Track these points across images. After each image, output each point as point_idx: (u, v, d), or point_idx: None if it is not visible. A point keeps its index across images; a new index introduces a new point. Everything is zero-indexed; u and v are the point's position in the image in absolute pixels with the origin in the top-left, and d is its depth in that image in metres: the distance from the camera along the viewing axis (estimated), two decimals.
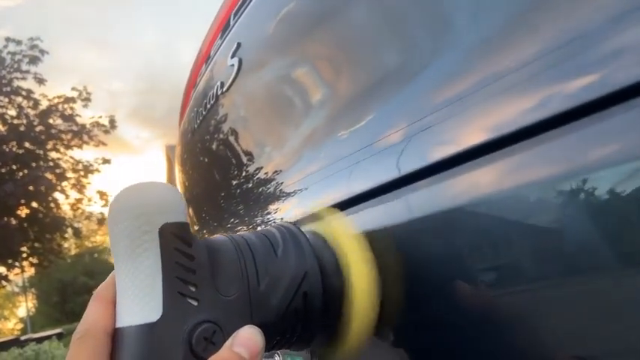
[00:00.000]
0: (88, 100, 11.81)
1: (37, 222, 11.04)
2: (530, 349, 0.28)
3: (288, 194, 0.59)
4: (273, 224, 0.42)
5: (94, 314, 0.33)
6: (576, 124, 0.25)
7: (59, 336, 9.82)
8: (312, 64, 0.58)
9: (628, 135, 0.23)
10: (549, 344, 0.27)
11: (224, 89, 0.74)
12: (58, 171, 11.26)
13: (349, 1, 0.50)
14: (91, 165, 11.86)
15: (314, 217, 0.42)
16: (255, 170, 0.71)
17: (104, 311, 0.33)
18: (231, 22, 0.78)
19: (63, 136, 11.48)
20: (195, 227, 1.05)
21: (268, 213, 0.63)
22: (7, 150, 10.54)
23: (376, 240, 0.39)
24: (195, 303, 0.33)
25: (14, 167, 10.70)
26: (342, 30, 0.51)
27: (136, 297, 0.32)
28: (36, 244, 11.47)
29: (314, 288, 0.37)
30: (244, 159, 0.75)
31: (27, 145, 10.90)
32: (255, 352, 0.32)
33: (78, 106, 11.75)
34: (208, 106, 0.81)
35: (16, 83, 11.13)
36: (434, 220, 0.34)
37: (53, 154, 11.45)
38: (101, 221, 13.39)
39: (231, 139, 0.79)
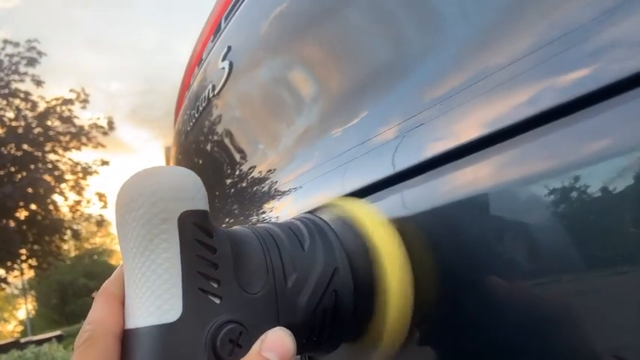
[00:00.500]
0: (85, 101, 11.80)
1: (35, 224, 11.02)
2: (577, 347, 0.26)
3: (283, 193, 0.59)
4: (295, 217, 0.39)
5: (100, 313, 0.30)
6: (575, 116, 0.25)
7: (59, 338, 9.80)
8: (302, 67, 0.59)
9: (624, 128, 0.22)
10: (600, 344, 0.25)
11: (215, 92, 0.75)
12: (56, 173, 11.25)
13: (338, 3, 0.50)
14: (89, 167, 11.84)
15: (338, 206, 0.39)
16: (248, 170, 0.71)
17: (112, 310, 0.30)
18: (222, 25, 0.79)
19: (61, 137, 11.46)
20: None
21: (263, 212, 0.63)
22: (6, 152, 10.52)
23: (408, 231, 0.35)
24: (217, 301, 0.29)
25: (13, 169, 10.69)
26: (331, 32, 0.51)
27: (152, 294, 0.28)
28: (35, 247, 11.46)
29: (345, 286, 0.34)
30: (237, 160, 0.75)
31: (25, 147, 10.88)
32: (286, 357, 0.28)
33: (76, 107, 11.76)
34: (200, 108, 0.82)
35: (13, 85, 11.12)
36: (468, 208, 0.30)
37: (51, 156, 11.43)
38: (100, 223, 13.38)
39: (224, 141, 0.79)
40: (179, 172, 0.31)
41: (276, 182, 0.61)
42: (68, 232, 12.15)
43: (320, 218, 0.37)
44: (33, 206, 10.90)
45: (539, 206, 0.26)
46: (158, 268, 0.28)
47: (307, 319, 0.33)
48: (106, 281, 0.32)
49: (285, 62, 0.61)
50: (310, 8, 0.56)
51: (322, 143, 0.52)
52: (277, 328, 0.30)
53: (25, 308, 22.59)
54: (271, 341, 0.29)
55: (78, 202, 11.88)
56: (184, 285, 0.28)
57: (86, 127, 11.82)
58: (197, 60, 0.93)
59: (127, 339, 0.29)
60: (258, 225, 0.36)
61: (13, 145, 10.75)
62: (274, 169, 0.63)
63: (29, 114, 11.30)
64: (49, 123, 11.39)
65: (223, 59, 0.72)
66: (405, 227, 0.35)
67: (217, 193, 0.86)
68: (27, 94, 11.26)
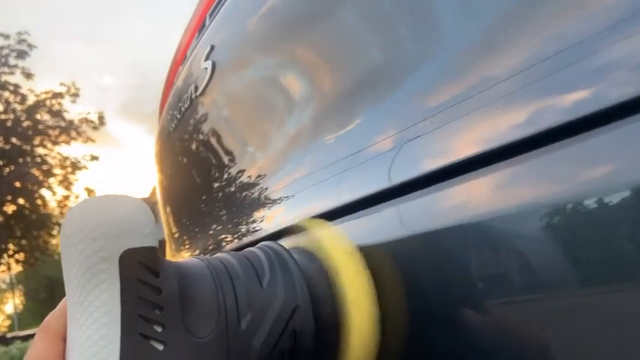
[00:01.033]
0: (76, 95, 11.75)
1: (23, 219, 10.96)
2: None
3: (271, 200, 0.57)
4: (257, 245, 0.36)
5: (38, 353, 0.28)
6: (591, 133, 0.23)
7: None
8: (288, 69, 0.55)
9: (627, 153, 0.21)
10: None
11: (198, 93, 0.71)
12: (45, 167, 11.20)
13: (327, 2, 0.47)
14: (78, 162, 11.77)
15: (303, 231, 0.36)
16: (233, 175, 0.68)
17: (52, 350, 0.28)
18: (207, 23, 0.75)
19: (50, 131, 11.41)
20: (176, 234, 1.03)
21: (252, 219, 0.61)
22: None
23: (378, 260, 0.33)
24: (160, 347, 0.27)
25: (0, 163, 10.59)
26: (319, 32, 0.48)
27: (88, 339, 0.26)
28: (22, 241, 11.41)
29: (305, 325, 0.32)
30: (221, 163, 0.72)
31: (14, 140, 10.80)
32: None
33: (66, 101, 11.68)
34: (183, 109, 0.78)
35: (3, 78, 11.04)
36: (444, 238, 0.29)
37: (40, 150, 11.38)
38: None
39: (207, 143, 0.76)
40: (127, 204, 0.28)
41: (266, 189, 0.59)
42: (56, 227, 12.06)
43: (282, 247, 0.35)
44: (21, 200, 10.83)
45: (518, 237, 0.25)
46: (96, 311, 0.26)
47: None
48: (50, 314, 0.30)
49: (271, 64, 0.58)
50: (298, 6, 0.52)
51: (304, 152, 0.50)
52: None
53: (12, 303, 22.46)
54: None
55: (66, 197, 11.81)
56: (123, 330, 0.26)
57: (76, 122, 11.75)
58: (181, 57, 0.89)
59: None
60: (214, 257, 0.34)
61: (1, 138, 10.67)
62: (261, 175, 0.60)
63: (18, 107, 11.24)
64: (38, 116, 11.34)
65: (206, 59, 0.68)
66: (376, 256, 0.33)
67: (204, 197, 0.83)
68: (16, 86, 11.20)
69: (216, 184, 0.75)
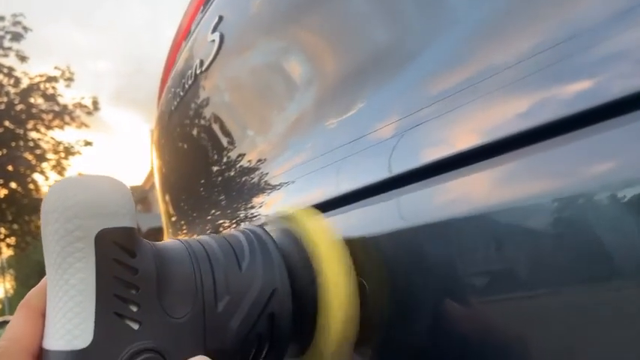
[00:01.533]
0: (70, 79, 11.61)
1: (15, 203, 10.87)
2: None
3: (273, 186, 0.53)
4: (240, 228, 0.37)
5: (17, 329, 0.28)
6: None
7: None
8: (303, 41, 0.51)
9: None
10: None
11: (203, 68, 0.66)
12: (38, 152, 11.08)
13: None
14: (72, 147, 11.65)
15: (289, 218, 0.37)
16: (237, 158, 0.64)
17: (30, 326, 0.29)
18: None
19: (44, 116, 11.29)
20: (174, 218, 0.99)
21: (251, 205, 0.57)
22: None
23: (362, 248, 0.33)
24: (135, 326, 0.28)
25: None
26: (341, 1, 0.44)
27: (64, 316, 0.27)
28: (14, 226, 11.31)
29: (283, 308, 0.32)
30: (225, 145, 0.68)
31: (7, 124, 10.68)
32: None
33: (60, 85, 11.56)
34: (186, 86, 0.74)
35: None
36: (428, 228, 0.29)
37: (33, 134, 11.25)
38: None
39: (211, 123, 0.71)
40: (105, 184, 0.29)
41: (267, 173, 0.56)
42: None
43: (265, 232, 0.36)
44: (13, 184, 10.74)
45: (511, 233, 0.25)
46: (71, 289, 0.27)
47: (239, 344, 0.31)
48: (30, 291, 0.30)
49: (285, 37, 0.54)
50: None
51: (318, 134, 0.46)
52: (198, 356, 0.28)
53: (3, 287, 22.37)
54: None
55: None
56: (98, 309, 0.27)
57: (70, 106, 11.61)
58: (184, 33, 0.85)
59: (41, 358, 0.28)
60: (196, 239, 0.34)
61: None
62: (265, 159, 0.57)
63: (12, 90, 11.10)
64: (32, 100, 11.21)
65: (213, 31, 0.64)
66: (361, 246, 0.34)
67: (203, 181, 0.79)
68: (10, 69, 11.06)
69: (217, 167, 0.71)
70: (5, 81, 11.03)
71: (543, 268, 0.23)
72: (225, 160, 0.68)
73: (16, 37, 10.97)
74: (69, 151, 11.62)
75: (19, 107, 11.00)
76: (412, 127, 0.32)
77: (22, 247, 11.91)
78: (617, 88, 0.21)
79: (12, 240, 11.53)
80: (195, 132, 0.78)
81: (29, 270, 23.41)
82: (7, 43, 10.94)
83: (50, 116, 11.39)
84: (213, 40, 0.63)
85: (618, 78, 0.22)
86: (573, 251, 0.22)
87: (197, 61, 0.69)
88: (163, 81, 1.06)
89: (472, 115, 0.28)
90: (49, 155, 11.43)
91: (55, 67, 11.79)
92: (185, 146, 0.86)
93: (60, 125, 11.50)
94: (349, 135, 0.39)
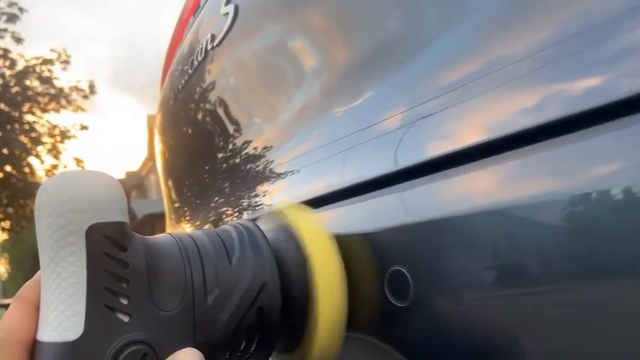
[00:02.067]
0: (67, 62, 11.49)
1: (9, 186, 10.81)
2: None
3: (278, 174, 0.51)
4: (232, 222, 0.38)
5: (12, 320, 0.29)
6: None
7: None
8: (326, 15, 0.47)
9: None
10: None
11: (215, 43, 0.62)
12: (33, 135, 10.99)
13: None
14: (68, 130, 11.55)
15: (281, 213, 0.37)
16: (244, 143, 0.60)
17: (25, 318, 0.29)
18: None
19: (40, 98, 11.18)
20: (176, 205, 0.95)
21: (255, 193, 0.54)
22: None
23: (354, 245, 0.34)
24: (126, 319, 0.29)
25: None
26: None
27: (56, 308, 0.28)
28: (8, 209, 11.25)
29: (272, 302, 0.33)
30: (233, 129, 0.64)
31: (2, 106, 10.58)
32: None
33: (56, 68, 11.45)
34: (195, 63, 0.69)
35: None
36: (425, 225, 0.30)
37: (29, 117, 11.16)
38: None
39: (221, 104, 0.67)
40: (96, 179, 0.29)
41: (273, 161, 0.53)
42: None
43: (256, 227, 0.36)
44: (8, 168, 10.67)
45: (501, 231, 0.25)
46: (63, 282, 0.28)
47: (229, 337, 0.32)
48: (26, 284, 0.31)
49: (306, 10, 0.49)
50: None
51: (331, 121, 0.44)
52: (187, 349, 0.29)
53: None
54: None
55: (54, 167, 11.59)
56: (89, 302, 0.28)
57: (66, 90, 11.50)
58: (193, 8, 0.80)
59: (36, 349, 0.29)
60: (187, 233, 0.35)
61: None
62: (272, 146, 0.54)
63: (7, 72, 11.00)
64: (27, 82, 11.11)
65: (227, 3, 0.59)
66: (351, 241, 0.35)
67: (207, 167, 0.75)
68: (6, 51, 10.95)
69: (222, 154, 0.66)
70: (1, 63, 10.91)
71: (548, 266, 0.23)
72: (230, 145, 0.64)
73: (12, 18, 10.85)
74: (65, 135, 11.53)
75: (14, 89, 10.90)
76: (416, 120, 0.32)
77: (17, 231, 11.87)
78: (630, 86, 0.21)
79: (6, 224, 11.48)
80: (202, 114, 0.74)
81: (24, 254, 23.40)
82: (2, 25, 10.83)
83: (46, 99, 11.29)
84: (227, 13, 0.59)
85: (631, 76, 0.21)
86: (584, 249, 0.21)
87: (208, 36, 0.64)
88: (167, 62, 1.01)
89: (479, 109, 0.28)
90: (45, 139, 11.35)
91: (51, 50, 11.68)
92: (191, 129, 0.82)
93: (56, 108, 11.40)
94: (354, 125, 0.39)
